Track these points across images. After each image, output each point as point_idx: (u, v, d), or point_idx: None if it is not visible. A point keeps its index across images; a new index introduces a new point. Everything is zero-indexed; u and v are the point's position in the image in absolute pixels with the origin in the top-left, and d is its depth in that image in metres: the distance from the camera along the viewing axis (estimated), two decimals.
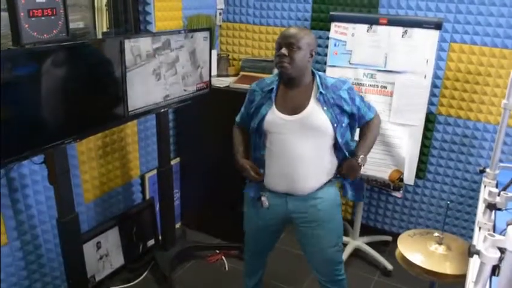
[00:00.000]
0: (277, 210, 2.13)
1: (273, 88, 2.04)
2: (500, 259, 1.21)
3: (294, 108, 2.00)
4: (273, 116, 2.01)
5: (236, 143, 2.24)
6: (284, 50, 1.93)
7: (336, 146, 2.05)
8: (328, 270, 2.21)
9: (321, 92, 1.99)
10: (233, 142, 2.26)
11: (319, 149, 2.04)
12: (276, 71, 2.10)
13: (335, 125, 1.99)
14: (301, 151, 2.00)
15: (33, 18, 1.80)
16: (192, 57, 2.65)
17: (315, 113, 1.98)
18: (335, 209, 2.16)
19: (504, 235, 1.16)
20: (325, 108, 1.98)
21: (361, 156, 2.05)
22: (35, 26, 1.81)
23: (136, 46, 2.25)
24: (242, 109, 2.26)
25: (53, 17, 1.89)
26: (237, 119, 2.30)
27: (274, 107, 2.02)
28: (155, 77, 2.41)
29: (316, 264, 2.22)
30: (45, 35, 1.86)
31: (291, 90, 2.03)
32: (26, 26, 1.78)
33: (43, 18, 1.84)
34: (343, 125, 2.04)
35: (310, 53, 1.99)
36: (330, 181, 2.12)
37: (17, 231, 2.32)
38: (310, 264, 2.26)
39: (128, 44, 2.20)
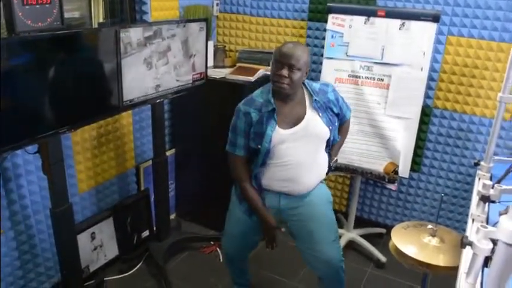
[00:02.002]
0: (269, 209, 2.15)
1: (274, 109, 2.00)
2: (493, 251, 1.22)
3: (294, 120, 2.03)
4: (278, 135, 2.01)
5: (251, 194, 2.10)
6: (285, 72, 1.93)
7: (327, 143, 2.13)
8: (330, 270, 2.20)
9: (315, 100, 2.05)
10: (249, 197, 2.10)
11: (316, 152, 2.10)
12: (263, 88, 2.11)
13: (330, 127, 2.06)
14: (302, 157, 2.04)
15: (27, 6, 1.78)
16: (185, 47, 2.62)
17: (313, 120, 2.04)
18: (327, 205, 2.21)
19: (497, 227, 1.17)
20: (320, 114, 2.05)
21: (335, 159, 2.29)
22: (29, 14, 1.80)
23: (127, 35, 2.21)
24: (239, 139, 2.06)
25: (47, 5, 1.87)
26: (238, 152, 2.07)
27: (277, 126, 2.01)
28: (146, 67, 2.39)
29: (317, 264, 2.21)
30: (39, 24, 1.85)
31: (286, 104, 2.04)
32: (20, 14, 1.76)
33: (37, 6, 1.83)
34: (336, 124, 2.13)
35: (306, 71, 2.01)
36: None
37: (10, 221, 2.31)
38: (311, 266, 2.25)
39: (124, 35, 2.18)
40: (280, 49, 1.97)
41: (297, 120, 2.03)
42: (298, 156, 2.03)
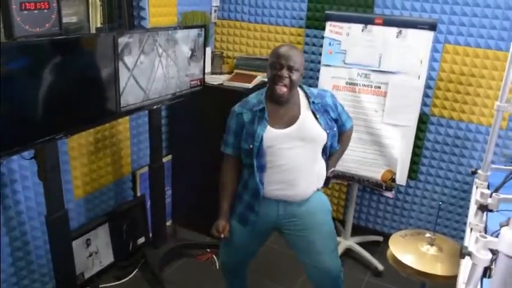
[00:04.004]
0: (267, 217, 2.12)
1: (264, 107, 2.02)
2: (492, 260, 1.21)
3: (288, 121, 2.02)
4: (270, 134, 1.99)
5: (225, 190, 2.17)
6: (285, 73, 1.94)
7: (324, 150, 2.11)
8: (329, 282, 2.17)
9: (313, 102, 2.05)
10: (223, 185, 2.18)
11: (313, 156, 2.08)
12: (259, 91, 2.12)
13: (327, 131, 2.05)
14: (299, 161, 2.02)
15: (25, 12, 1.77)
16: (182, 53, 2.62)
17: (309, 121, 2.03)
18: (326, 214, 2.18)
19: (496, 236, 1.16)
20: (318, 115, 2.04)
21: (332, 169, 2.25)
22: (28, 20, 1.79)
23: (128, 42, 2.22)
24: (229, 138, 2.11)
25: (45, 11, 1.86)
26: (228, 150, 2.13)
27: (268, 126, 2.00)
28: (147, 73, 2.39)
29: (317, 275, 2.18)
30: (37, 29, 1.84)
31: (281, 106, 2.04)
32: (18, 19, 1.75)
33: (36, 11, 1.82)
34: (334, 129, 2.11)
35: (302, 72, 2.02)
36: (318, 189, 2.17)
37: (5, 227, 2.29)
38: (311, 277, 2.21)
39: (121, 40, 2.18)
40: (276, 51, 1.98)
41: (292, 120, 2.01)
42: (295, 159, 2.01)
